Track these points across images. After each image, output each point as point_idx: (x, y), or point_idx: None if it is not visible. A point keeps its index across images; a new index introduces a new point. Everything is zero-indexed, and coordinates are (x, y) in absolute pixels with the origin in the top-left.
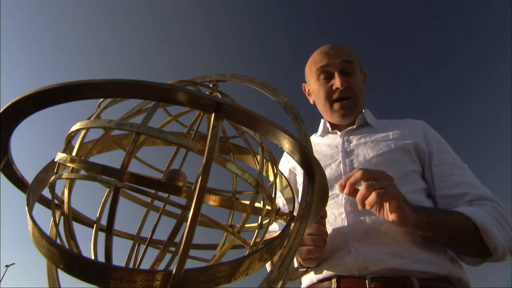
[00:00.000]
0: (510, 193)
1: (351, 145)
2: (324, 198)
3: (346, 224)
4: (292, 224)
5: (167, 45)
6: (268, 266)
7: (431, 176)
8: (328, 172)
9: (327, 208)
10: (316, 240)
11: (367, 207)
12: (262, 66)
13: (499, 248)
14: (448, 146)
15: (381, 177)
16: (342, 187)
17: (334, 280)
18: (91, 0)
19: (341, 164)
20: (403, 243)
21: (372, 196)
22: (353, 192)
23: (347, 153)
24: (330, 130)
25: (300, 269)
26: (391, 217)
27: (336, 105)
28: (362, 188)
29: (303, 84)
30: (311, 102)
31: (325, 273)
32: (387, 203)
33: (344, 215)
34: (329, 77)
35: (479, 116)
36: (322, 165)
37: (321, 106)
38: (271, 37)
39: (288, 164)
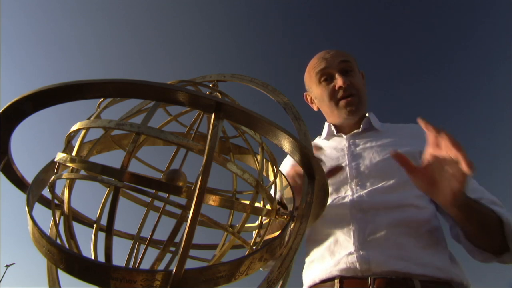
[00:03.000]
0: (510, 194)
1: (358, 148)
2: (324, 198)
3: (351, 226)
4: (292, 224)
5: (167, 45)
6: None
7: None
8: None
9: (333, 210)
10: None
11: (446, 151)
12: (262, 66)
13: None
14: None
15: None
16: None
17: (337, 281)
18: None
19: (347, 167)
20: (406, 247)
21: (457, 152)
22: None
23: (354, 156)
24: (335, 133)
25: None
26: (448, 192)
27: (342, 102)
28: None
29: (304, 94)
30: (315, 109)
31: (328, 273)
32: (449, 177)
33: (349, 217)
34: (330, 79)
35: (479, 116)
36: (328, 167)
37: (327, 108)
38: (271, 37)
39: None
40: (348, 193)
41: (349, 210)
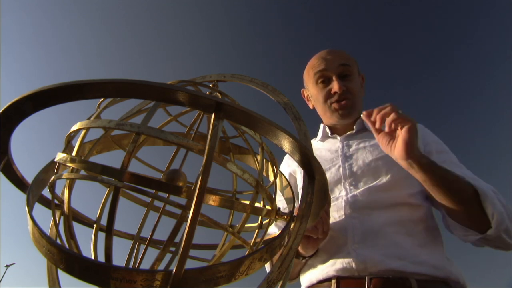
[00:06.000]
0: (511, 194)
1: (351, 149)
2: (324, 198)
3: (346, 226)
4: (292, 224)
5: (167, 45)
6: (268, 266)
7: None
8: (328, 176)
9: None
10: (316, 220)
11: (387, 126)
12: (262, 66)
13: (497, 215)
14: (446, 146)
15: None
16: (368, 114)
17: (333, 281)
18: None
19: (341, 168)
20: (402, 246)
21: (393, 114)
22: (376, 117)
23: (347, 158)
24: (329, 135)
25: (295, 258)
26: (400, 142)
27: (335, 105)
28: (387, 107)
29: (302, 90)
30: (311, 107)
31: (325, 274)
32: (400, 130)
33: (344, 217)
34: (327, 81)
35: (479, 116)
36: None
37: (320, 109)
38: (271, 37)
39: (288, 168)
40: (342, 193)
41: (343, 210)
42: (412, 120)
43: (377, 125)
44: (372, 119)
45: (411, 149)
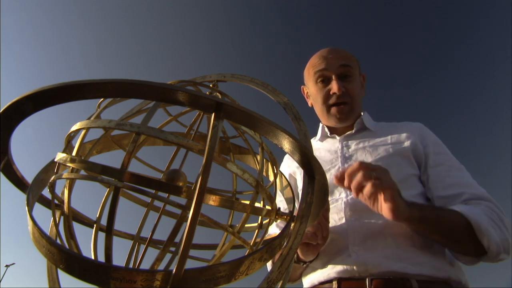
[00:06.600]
0: (510, 193)
1: (350, 150)
2: (324, 198)
3: (346, 227)
4: (292, 224)
5: (167, 45)
6: (268, 266)
7: (427, 177)
8: (328, 177)
9: None
10: (314, 227)
11: (362, 199)
12: (262, 66)
13: (493, 246)
14: (445, 147)
15: (377, 168)
16: (339, 179)
17: (335, 282)
18: None
19: (340, 169)
20: (403, 247)
21: (368, 187)
22: (350, 184)
23: (346, 158)
24: (328, 135)
25: (296, 263)
26: (385, 209)
27: (333, 110)
28: (358, 176)
29: (302, 87)
30: (309, 104)
31: (326, 275)
32: (381, 195)
33: (344, 219)
34: (326, 81)
35: (479, 116)
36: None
37: (319, 110)
38: (271, 37)
39: (288, 169)
40: (342, 195)
41: (343, 212)
42: (390, 183)
43: (354, 196)
44: (346, 185)
45: (398, 213)
